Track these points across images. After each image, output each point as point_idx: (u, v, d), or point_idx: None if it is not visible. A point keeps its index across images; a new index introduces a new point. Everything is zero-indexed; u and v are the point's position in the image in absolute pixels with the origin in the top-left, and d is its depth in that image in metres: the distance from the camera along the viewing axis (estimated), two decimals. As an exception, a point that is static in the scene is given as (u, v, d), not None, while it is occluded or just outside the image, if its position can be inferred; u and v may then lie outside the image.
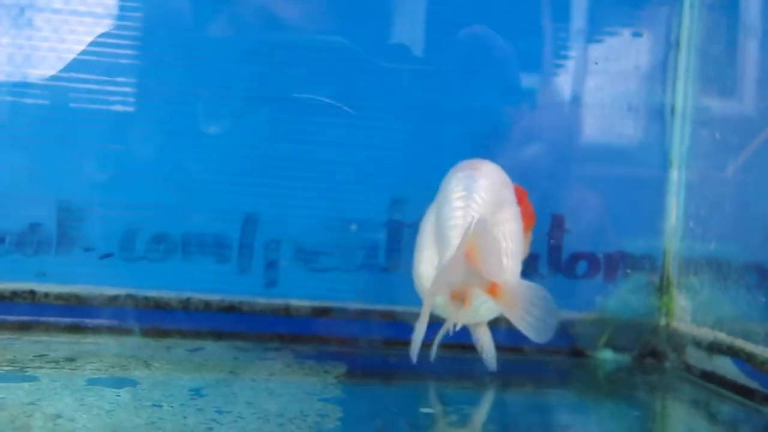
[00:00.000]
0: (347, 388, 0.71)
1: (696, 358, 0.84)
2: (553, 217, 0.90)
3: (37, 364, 0.71)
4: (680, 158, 0.91)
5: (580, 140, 0.92)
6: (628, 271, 0.91)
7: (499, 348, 0.71)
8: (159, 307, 0.86)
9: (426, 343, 0.61)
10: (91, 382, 0.67)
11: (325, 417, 0.61)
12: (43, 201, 0.85)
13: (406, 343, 0.82)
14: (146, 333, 0.85)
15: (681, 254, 0.90)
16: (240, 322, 0.87)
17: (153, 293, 0.86)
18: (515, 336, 0.66)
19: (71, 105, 0.85)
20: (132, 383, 0.67)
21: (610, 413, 0.75)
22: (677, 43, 0.91)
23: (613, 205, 0.91)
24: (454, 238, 0.60)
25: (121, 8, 0.86)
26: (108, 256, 0.86)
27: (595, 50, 0.91)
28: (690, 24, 0.91)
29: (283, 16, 0.86)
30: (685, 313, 0.88)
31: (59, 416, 0.57)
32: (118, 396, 0.63)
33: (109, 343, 0.82)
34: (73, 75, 0.85)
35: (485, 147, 0.88)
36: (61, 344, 0.80)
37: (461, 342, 0.73)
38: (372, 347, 0.86)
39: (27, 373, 0.68)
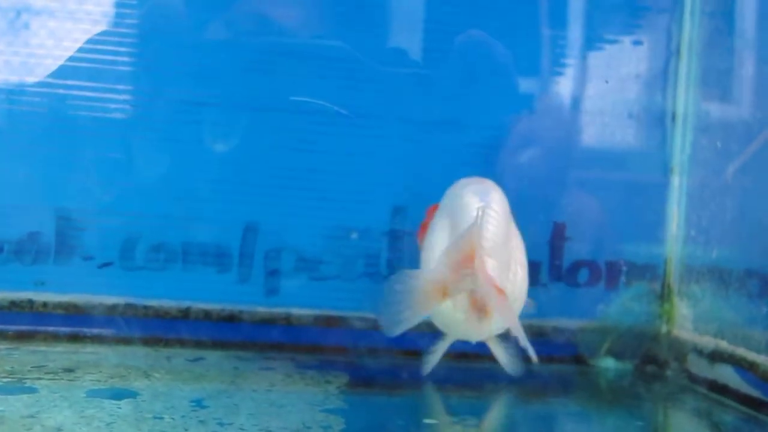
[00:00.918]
0: (349, 398, 0.71)
1: (698, 366, 0.84)
2: (554, 225, 0.90)
3: (36, 375, 0.70)
4: (681, 166, 0.91)
5: (580, 148, 0.92)
6: (630, 279, 0.91)
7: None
8: (159, 316, 0.85)
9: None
10: (91, 393, 0.66)
11: (327, 428, 0.61)
12: (42, 209, 0.84)
13: (409, 352, 0.82)
14: (146, 342, 0.84)
15: (682, 262, 0.90)
16: (240, 331, 0.86)
17: (153, 302, 0.85)
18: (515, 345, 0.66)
19: (70, 113, 0.84)
20: (132, 394, 0.67)
21: (612, 422, 0.75)
22: (678, 51, 0.91)
23: (614, 213, 0.91)
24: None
25: (121, 15, 0.85)
26: (107, 265, 0.85)
27: (596, 58, 0.91)
28: (690, 31, 0.91)
29: (285, 23, 0.86)
30: (687, 321, 0.88)
31: (59, 429, 0.56)
32: (119, 408, 0.63)
33: (108, 353, 0.81)
34: (72, 82, 0.85)
35: (486, 155, 0.88)
36: (60, 354, 0.79)
37: (464, 351, 0.73)
38: (374, 356, 0.85)
39: (26, 385, 0.67)
